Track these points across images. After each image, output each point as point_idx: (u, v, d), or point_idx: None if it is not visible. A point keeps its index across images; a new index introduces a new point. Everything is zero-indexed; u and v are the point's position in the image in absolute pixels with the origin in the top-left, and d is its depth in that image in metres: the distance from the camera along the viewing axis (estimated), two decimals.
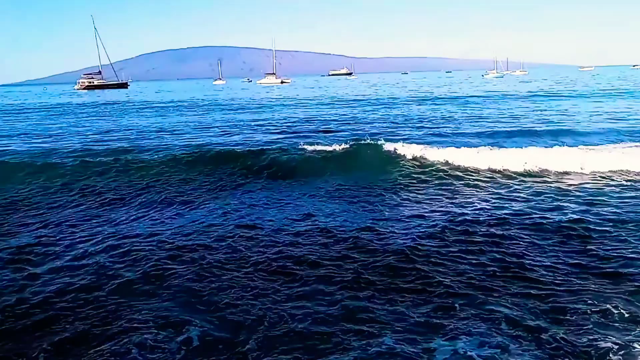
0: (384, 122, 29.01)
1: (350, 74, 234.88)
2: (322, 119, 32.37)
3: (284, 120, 31.80)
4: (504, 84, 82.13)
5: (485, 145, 17.70)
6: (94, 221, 10.93)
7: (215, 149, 18.68)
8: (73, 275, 7.89)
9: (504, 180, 13.66)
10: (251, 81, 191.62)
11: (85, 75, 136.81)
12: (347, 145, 17.67)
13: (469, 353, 5.50)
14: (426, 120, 29.69)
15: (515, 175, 14.11)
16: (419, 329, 6.05)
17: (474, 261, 8.02)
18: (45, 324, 6.44)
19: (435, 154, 16.17)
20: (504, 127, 24.62)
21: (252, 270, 7.94)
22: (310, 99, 54.56)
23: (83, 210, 11.96)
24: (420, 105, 42.43)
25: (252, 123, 31.11)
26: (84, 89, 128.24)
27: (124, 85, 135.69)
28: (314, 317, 6.38)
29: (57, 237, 9.81)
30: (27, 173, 15.86)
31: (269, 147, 18.78)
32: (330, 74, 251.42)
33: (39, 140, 24.78)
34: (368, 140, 18.20)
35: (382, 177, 14.34)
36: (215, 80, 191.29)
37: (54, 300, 7.03)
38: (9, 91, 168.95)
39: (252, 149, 18.70)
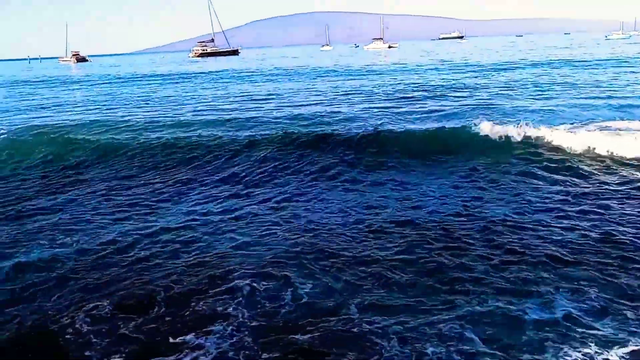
0: (503, 89, 27.09)
1: (461, 37, 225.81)
2: (432, 84, 30.94)
3: (392, 88, 30.65)
4: (630, 46, 73.87)
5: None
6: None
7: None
8: None
9: None
10: (358, 46, 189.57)
11: (199, 43, 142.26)
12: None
13: None
14: (544, 85, 27.30)
15: None
16: None
17: None
18: None
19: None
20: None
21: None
22: (420, 65, 52.39)
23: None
24: (535, 68, 39.43)
25: (363, 89, 30.34)
26: (198, 56, 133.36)
27: (235, 52, 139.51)
28: None
29: None
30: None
31: (388, 128, 16.73)
32: (440, 37, 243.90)
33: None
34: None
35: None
36: (323, 46, 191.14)
37: None
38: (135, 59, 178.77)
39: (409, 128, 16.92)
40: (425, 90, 28.17)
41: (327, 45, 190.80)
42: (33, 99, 35.71)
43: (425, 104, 22.77)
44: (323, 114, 20.64)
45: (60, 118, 23.87)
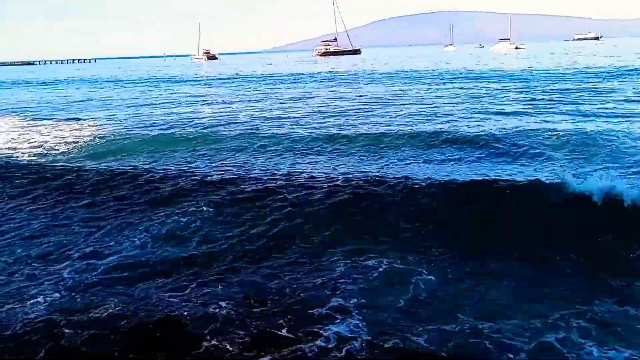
0: None
1: (597, 38, 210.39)
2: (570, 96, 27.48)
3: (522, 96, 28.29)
4: None
5: None
6: None
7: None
8: None
9: None
10: (482, 47, 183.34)
11: (322, 43, 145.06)
12: None
13: None
14: None
15: None
16: None
17: None
18: None
19: None
20: None
21: None
22: (550, 69, 48.37)
23: None
24: None
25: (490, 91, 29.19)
26: (320, 55, 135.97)
27: (356, 52, 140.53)
28: None
29: None
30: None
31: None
32: (575, 38, 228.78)
33: None
34: None
35: None
36: (446, 46, 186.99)
37: None
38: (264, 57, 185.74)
39: None
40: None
41: (451, 45, 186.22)
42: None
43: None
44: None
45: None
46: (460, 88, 34.05)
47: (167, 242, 8.85)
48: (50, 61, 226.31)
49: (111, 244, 8.86)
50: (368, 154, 14.62)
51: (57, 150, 17.47)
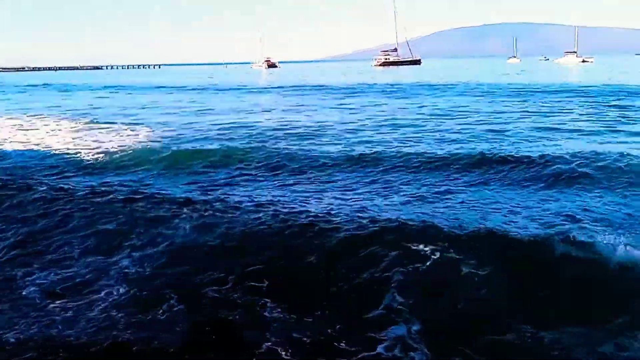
0: None
1: None
2: None
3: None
4: None
5: None
6: None
7: None
8: None
9: None
10: (547, 59, 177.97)
11: (382, 52, 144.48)
12: None
13: None
14: None
15: None
16: None
17: None
18: None
19: None
20: None
21: None
22: (623, 84, 45.32)
23: None
24: None
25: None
26: (380, 65, 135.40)
27: (416, 62, 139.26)
28: None
29: None
30: None
31: None
32: None
33: None
34: None
35: None
36: (509, 58, 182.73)
37: None
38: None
39: None
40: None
41: (515, 57, 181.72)
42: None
43: None
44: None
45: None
46: (524, 102, 32.64)
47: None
48: (117, 66, 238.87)
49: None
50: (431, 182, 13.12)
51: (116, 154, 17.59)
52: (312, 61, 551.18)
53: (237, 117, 28.85)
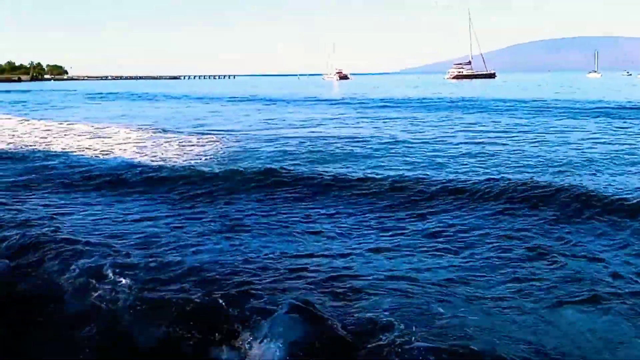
0: None
1: None
2: None
3: None
4: None
5: None
6: None
7: None
8: None
9: None
10: (630, 75, 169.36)
11: (455, 65, 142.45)
12: None
13: None
14: None
15: None
16: None
17: None
18: None
19: None
20: None
21: None
22: None
23: None
24: None
25: None
26: (453, 78, 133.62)
27: (491, 76, 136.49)
28: None
29: None
30: None
31: None
32: None
33: None
34: None
35: None
36: (589, 73, 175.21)
37: None
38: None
39: None
40: None
41: (595, 72, 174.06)
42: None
43: None
44: None
45: None
46: (609, 123, 28.43)
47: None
48: (193, 76, 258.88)
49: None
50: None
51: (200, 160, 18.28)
52: (383, 73, 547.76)
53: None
